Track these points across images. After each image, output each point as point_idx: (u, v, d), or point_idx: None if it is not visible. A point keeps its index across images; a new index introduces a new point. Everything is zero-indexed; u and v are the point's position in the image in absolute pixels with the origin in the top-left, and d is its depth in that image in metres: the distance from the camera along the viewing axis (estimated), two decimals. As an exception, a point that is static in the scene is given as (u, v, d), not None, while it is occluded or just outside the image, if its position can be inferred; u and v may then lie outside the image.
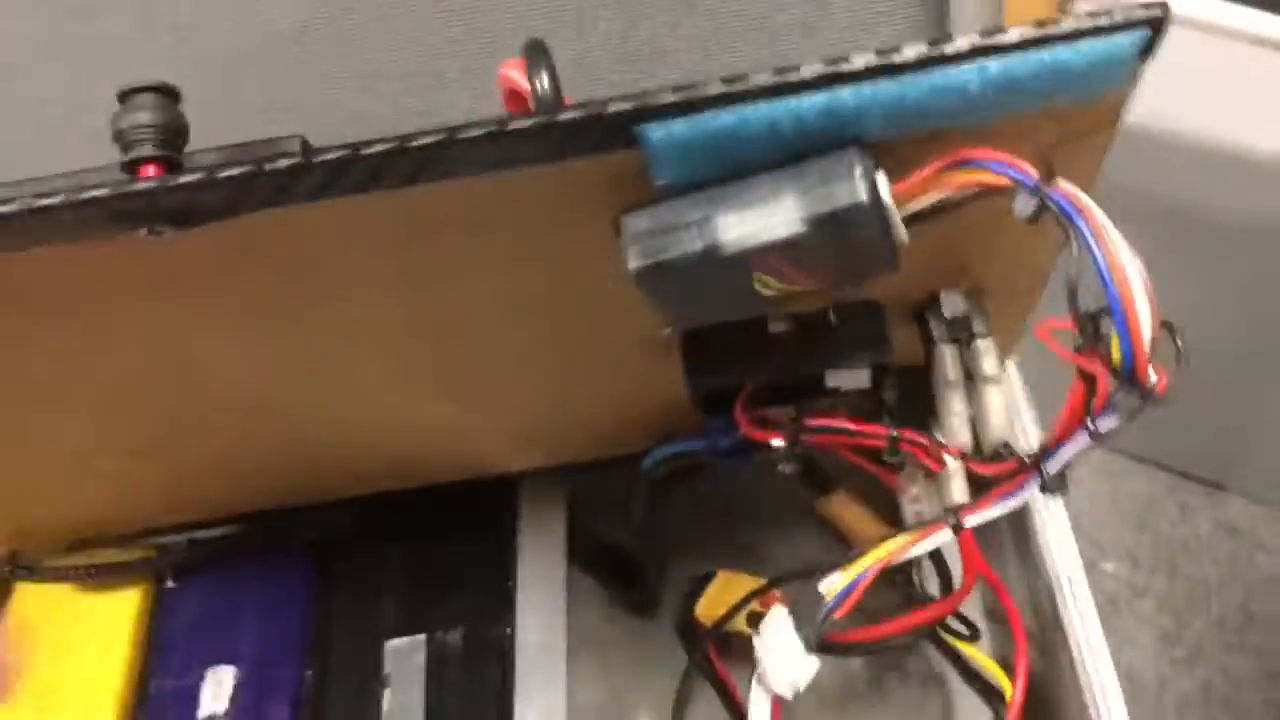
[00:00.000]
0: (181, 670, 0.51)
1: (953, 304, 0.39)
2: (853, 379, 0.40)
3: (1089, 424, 0.33)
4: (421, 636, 0.50)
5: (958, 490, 0.45)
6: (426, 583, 0.52)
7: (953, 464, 0.45)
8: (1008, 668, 0.48)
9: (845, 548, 0.54)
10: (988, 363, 0.38)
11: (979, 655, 0.51)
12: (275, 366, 0.38)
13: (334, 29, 0.52)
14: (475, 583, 0.51)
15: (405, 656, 0.50)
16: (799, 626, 0.38)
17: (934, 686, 0.54)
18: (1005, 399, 0.38)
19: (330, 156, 0.27)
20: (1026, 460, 0.37)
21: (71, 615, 0.53)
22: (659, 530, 0.51)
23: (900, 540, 0.39)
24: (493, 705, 0.48)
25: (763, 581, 0.50)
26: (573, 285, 0.35)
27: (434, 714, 0.48)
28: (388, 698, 0.48)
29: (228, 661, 0.51)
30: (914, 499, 0.47)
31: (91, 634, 0.52)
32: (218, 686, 0.50)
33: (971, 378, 0.39)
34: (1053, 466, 0.35)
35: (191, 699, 0.50)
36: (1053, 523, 0.45)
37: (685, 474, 0.50)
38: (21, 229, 0.27)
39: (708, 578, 0.53)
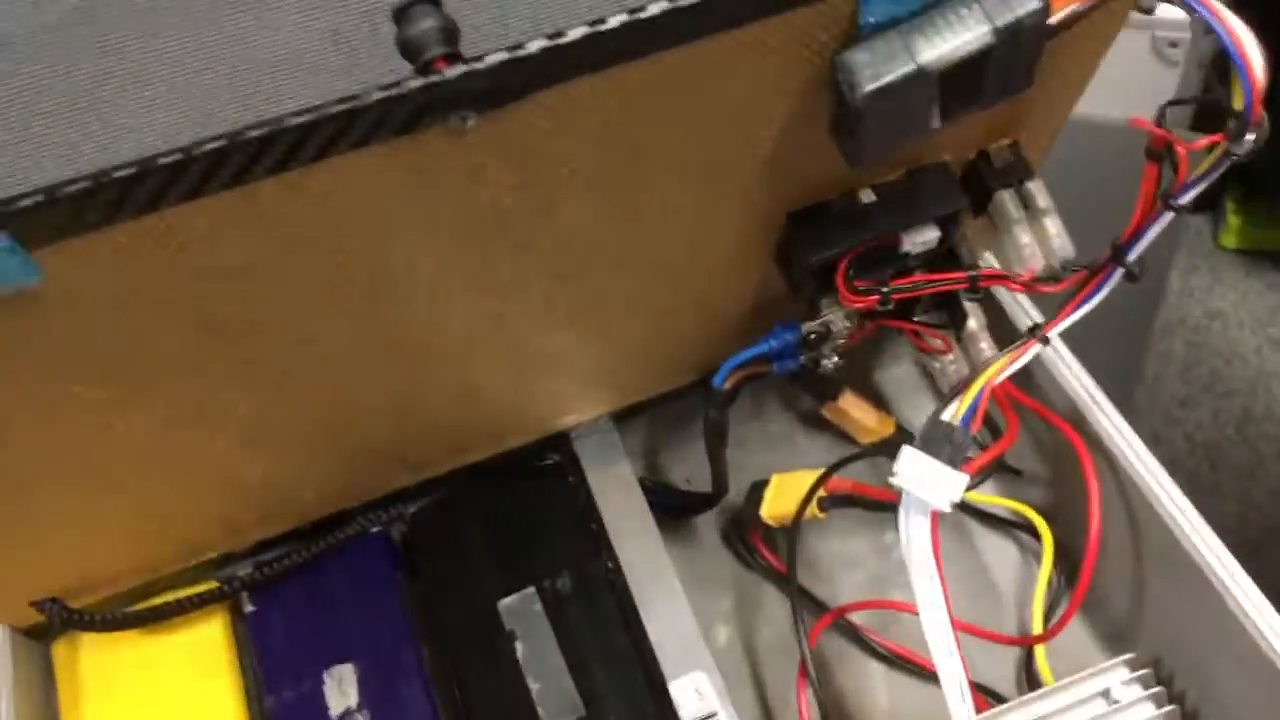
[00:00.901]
0: (294, 681, 0.51)
1: (1001, 156, 0.46)
2: (924, 238, 0.46)
3: (1168, 202, 0.40)
4: (531, 589, 0.52)
5: (986, 346, 0.52)
6: (514, 544, 0.53)
7: (974, 323, 0.52)
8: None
9: (850, 445, 0.60)
10: (1040, 198, 0.45)
11: (1004, 500, 0.58)
12: (461, 290, 0.40)
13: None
14: (561, 532, 0.54)
15: (522, 610, 0.51)
16: (937, 454, 0.43)
17: (963, 534, 0.60)
18: (1061, 224, 0.45)
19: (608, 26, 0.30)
20: (1095, 266, 0.44)
21: (154, 661, 0.52)
22: (723, 440, 0.55)
23: (1000, 362, 0.46)
24: (623, 632, 0.50)
25: (818, 473, 0.55)
26: (732, 160, 0.39)
27: (570, 652, 0.50)
28: (520, 650, 0.50)
29: (341, 660, 0.51)
30: (952, 360, 0.54)
31: (186, 673, 0.51)
32: (340, 685, 0.50)
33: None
34: (1134, 253, 0.42)
35: (317, 704, 0.50)
36: (1060, 359, 0.53)
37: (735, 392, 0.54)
38: (330, 134, 0.29)
39: (764, 483, 0.57)
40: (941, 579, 0.43)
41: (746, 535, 0.60)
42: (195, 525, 0.49)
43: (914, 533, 0.43)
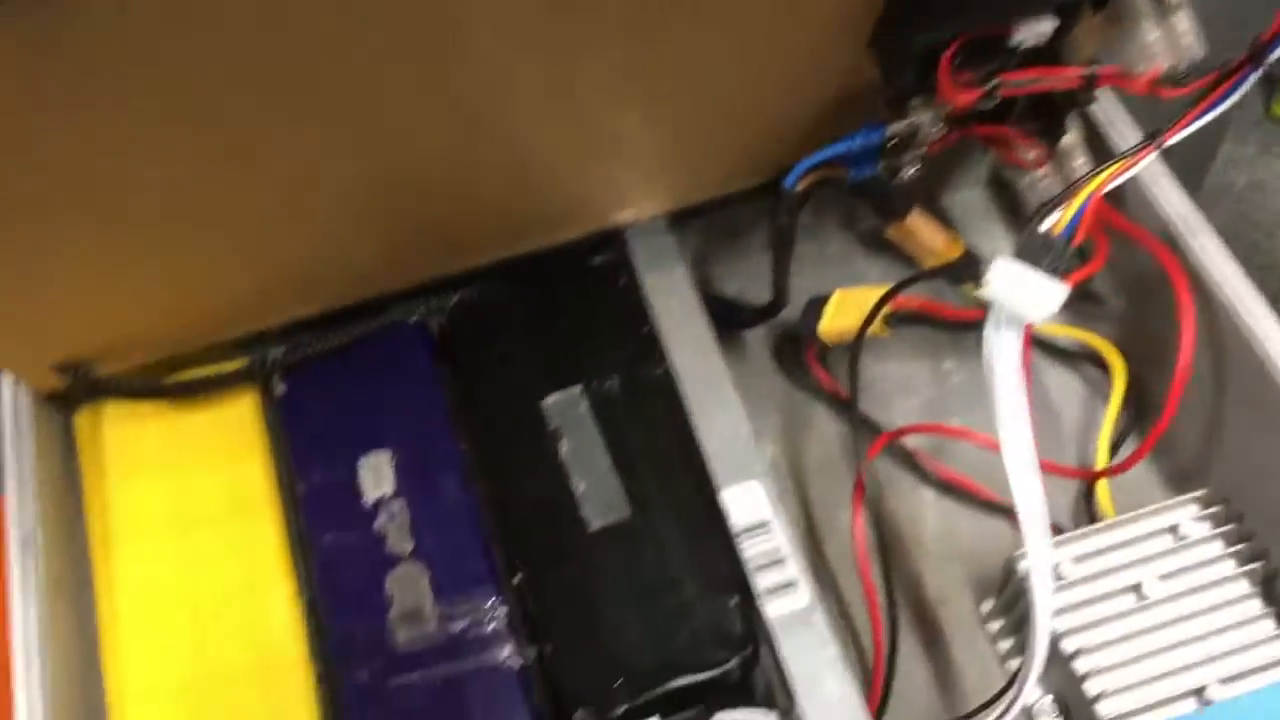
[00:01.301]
0: (327, 466, 0.48)
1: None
2: (1039, 28, 0.42)
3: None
4: (577, 388, 0.49)
5: (1082, 161, 0.48)
6: (560, 342, 0.51)
7: (1072, 136, 0.48)
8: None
9: (910, 267, 0.57)
10: (1173, -8, 0.41)
11: (1070, 330, 0.55)
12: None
13: None
14: (610, 333, 0.51)
15: (568, 409, 0.49)
16: (1036, 263, 0.40)
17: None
18: (1193, 22, 0.41)
19: None
20: (1229, 67, 0.40)
21: (181, 439, 0.49)
22: (790, 247, 0.51)
23: (1112, 168, 0.42)
24: (673, 438, 0.48)
25: (882, 289, 0.52)
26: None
27: (617, 453, 0.47)
28: (564, 448, 0.48)
29: (376, 448, 0.48)
30: (1043, 175, 0.50)
31: (215, 453, 0.49)
32: (375, 472, 0.48)
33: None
34: (1276, 53, 0.38)
35: (350, 489, 0.48)
36: (1158, 176, 0.49)
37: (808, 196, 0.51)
38: None
39: (824, 299, 0.54)
40: (1029, 397, 0.40)
41: (800, 352, 0.57)
42: (226, 293, 0.46)
43: (1002, 347, 0.41)
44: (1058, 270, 0.40)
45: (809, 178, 0.49)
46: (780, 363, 0.58)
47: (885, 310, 0.52)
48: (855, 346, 0.51)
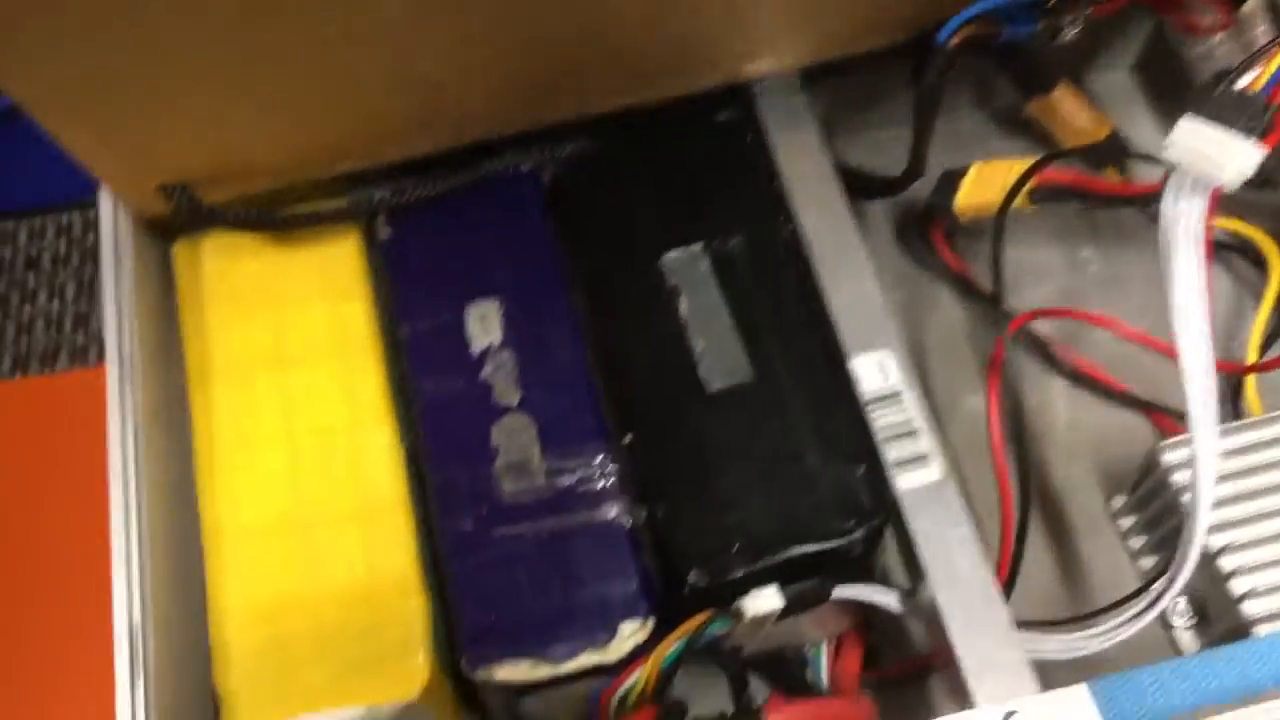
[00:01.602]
0: (432, 311, 0.46)
1: None
2: None
3: None
4: (698, 246, 0.46)
5: (1264, 29, 0.44)
6: (681, 198, 0.48)
7: (1252, 3, 0.44)
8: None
9: (1049, 146, 0.53)
10: None
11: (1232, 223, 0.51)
12: None
13: None
14: (734, 192, 0.48)
15: (687, 266, 0.46)
16: (1229, 123, 0.37)
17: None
18: None
19: None
20: None
21: (282, 276, 0.47)
22: (936, 110, 0.48)
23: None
24: (800, 302, 0.45)
25: (1025, 161, 0.49)
26: None
27: (740, 315, 0.45)
28: (684, 306, 0.45)
29: (484, 296, 0.46)
30: (1220, 42, 0.46)
31: (316, 293, 0.47)
32: (483, 321, 0.46)
33: None
34: None
35: (457, 336, 0.45)
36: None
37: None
38: None
39: (960, 172, 0.51)
40: (1208, 272, 0.37)
41: (927, 229, 0.54)
42: (343, 121, 0.44)
43: (1183, 213, 0.37)
44: (1254, 130, 0.36)
45: (963, 32, 0.45)
46: (903, 239, 0.55)
47: (1030, 185, 0.48)
48: (998, 222, 0.48)
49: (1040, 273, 0.54)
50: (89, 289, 1.23)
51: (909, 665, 0.46)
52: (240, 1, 0.36)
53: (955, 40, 0.45)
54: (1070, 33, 0.46)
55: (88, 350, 1.20)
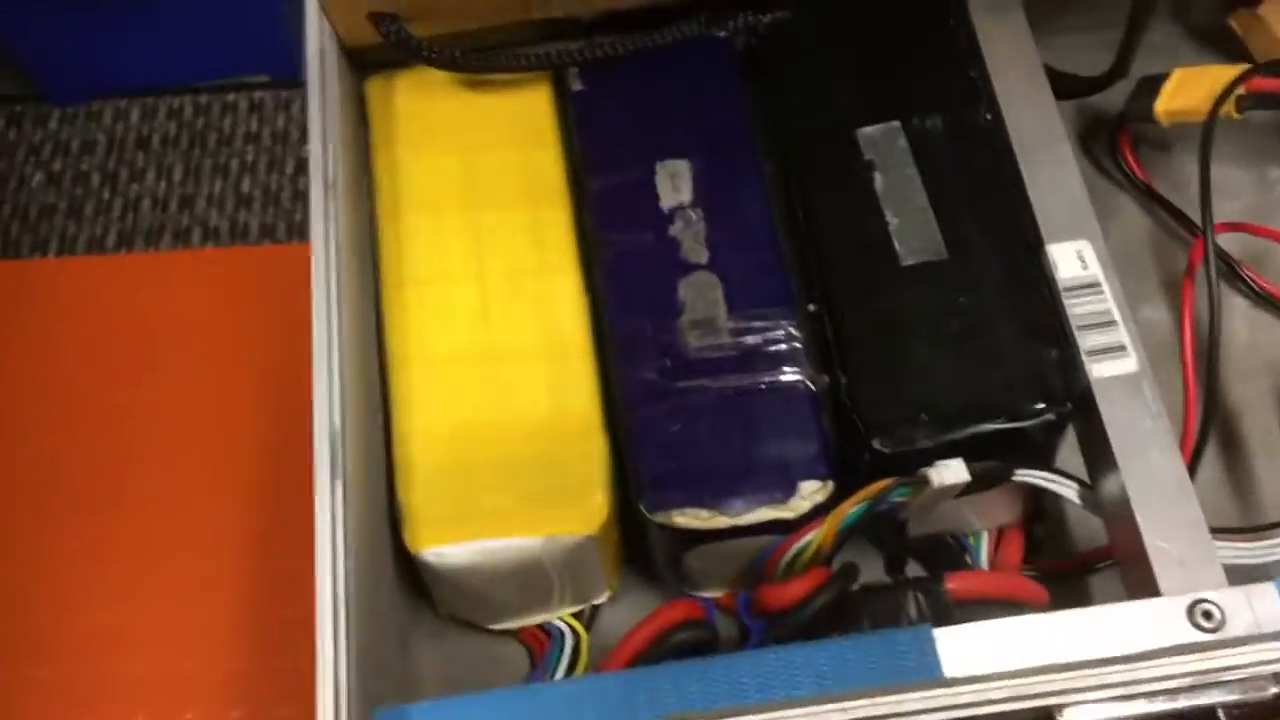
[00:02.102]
0: (623, 167, 0.46)
1: None
2: None
3: None
4: (896, 123, 0.46)
5: None
6: (880, 73, 0.47)
7: None
8: None
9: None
10: None
11: None
12: None
13: None
14: (936, 72, 0.47)
15: (885, 142, 0.45)
16: None
17: None
18: None
19: None
20: None
21: (474, 120, 0.47)
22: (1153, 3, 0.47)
23: None
24: (998, 183, 0.44)
25: (1233, 67, 0.47)
26: None
27: (936, 193, 0.44)
28: (879, 181, 0.44)
29: (675, 156, 0.46)
30: None
31: (507, 139, 0.47)
32: (673, 179, 0.46)
33: None
34: None
35: (647, 193, 0.45)
36: None
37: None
38: None
39: (1159, 78, 0.50)
40: None
41: (1116, 135, 0.53)
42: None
43: None
44: None
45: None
46: (1085, 148, 0.54)
47: (1239, 92, 0.47)
48: (1207, 126, 0.46)
49: (1226, 190, 0.52)
50: (195, 172, 1.25)
51: (1067, 562, 0.45)
52: None
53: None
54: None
55: (190, 231, 1.22)
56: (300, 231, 1.19)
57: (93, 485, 0.96)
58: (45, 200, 1.21)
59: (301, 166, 1.18)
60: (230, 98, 1.24)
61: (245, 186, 1.23)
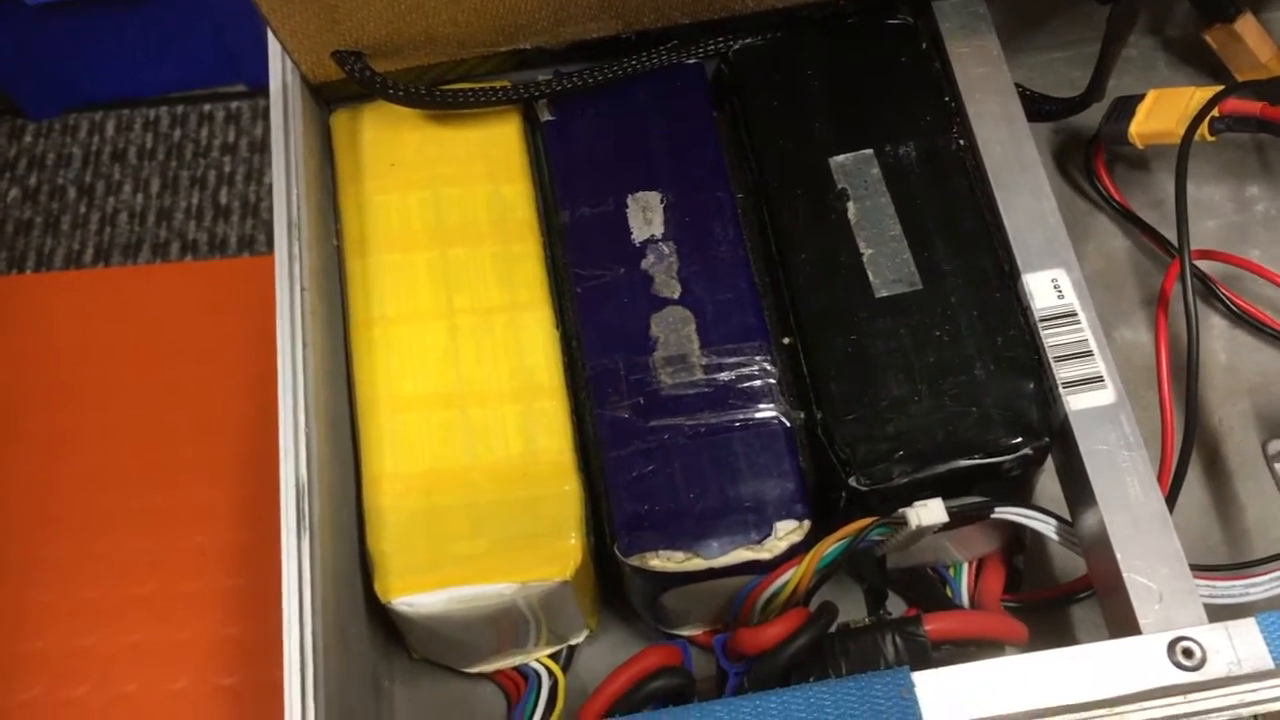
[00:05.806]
0: (594, 199, 0.45)
1: None
2: None
3: None
4: (869, 151, 0.45)
5: None
6: (851, 101, 0.46)
7: None
8: None
9: (1220, 81, 0.51)
10: None
11: None
12: None
13: None
14: (908, 98, 0.46)
15: (858, 171, 0.45)
16: None
17: None
18: None
19: None
20: None
21: (442, 153, 0.47)
22: (1128, 32, 0.46)
23: None
24: (973, 213, 0.44)
25: (1207, 89, 0.47)
26: None
27: (910, 223, 0.43)
28: (852, 210, 0.44)
29: (646, 187, 0.45)
30: None
31: (476, 172, 0.46)
32: (644, 211, 0.45)
33: None
34: None
35: (618, 225, 0.45)
36: None
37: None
38: None
39: (1134, 99, 0.49)
40: None
41: (1091, 158, 0.52)
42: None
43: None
44: None
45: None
46: (1061, 168, 0.54)
47: (1212, 114, 0.46)
48: (1182, 148, 0.46)
49: (1204, 208, 0.52)
50: (172, 184, 1.23)
51: (1049, 592, 0.45)
52: None
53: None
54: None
55: (169, 244, 1.20)
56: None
57: (73, 503, 0.95)
58: (21, 216, 1.19)
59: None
60: (206, 108, 1.23)
61: (223, 198, 1.21)
